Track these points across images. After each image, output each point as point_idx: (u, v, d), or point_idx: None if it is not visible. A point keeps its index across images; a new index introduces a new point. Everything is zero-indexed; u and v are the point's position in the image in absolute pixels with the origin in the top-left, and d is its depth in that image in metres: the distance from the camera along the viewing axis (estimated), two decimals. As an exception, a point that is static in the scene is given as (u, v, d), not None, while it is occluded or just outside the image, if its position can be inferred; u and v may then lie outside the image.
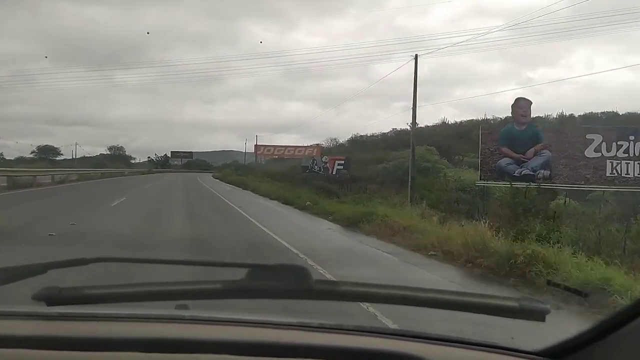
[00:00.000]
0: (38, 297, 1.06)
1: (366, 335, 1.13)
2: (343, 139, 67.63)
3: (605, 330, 0.99)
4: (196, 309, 1.21)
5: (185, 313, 1.18)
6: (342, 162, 39.39)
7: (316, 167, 38.26)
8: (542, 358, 1.07)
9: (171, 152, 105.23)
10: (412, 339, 1.12)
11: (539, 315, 1.04)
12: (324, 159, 40.28)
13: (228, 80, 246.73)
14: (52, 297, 1.07)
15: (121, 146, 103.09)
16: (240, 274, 1.06)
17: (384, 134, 62.92)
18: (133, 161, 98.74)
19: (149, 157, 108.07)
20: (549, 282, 6.62)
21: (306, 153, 58.96)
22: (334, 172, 37.15)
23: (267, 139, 64.07)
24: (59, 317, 1.10)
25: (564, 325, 2.42)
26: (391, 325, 4.21)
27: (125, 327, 1.10)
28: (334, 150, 58.95)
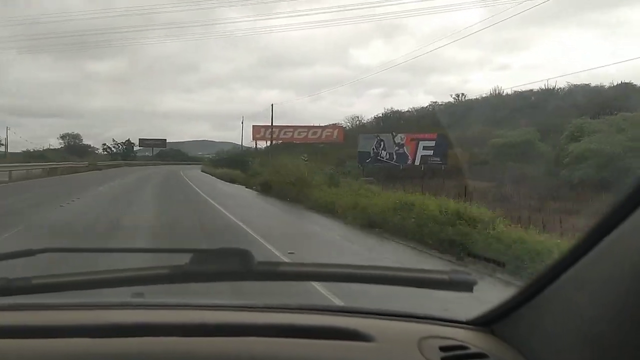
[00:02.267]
0: None
1: (310, 313, 1.19)
2: (368, 117, 52.48)
3: (529, 296, 1.02)
4: (152, 296, 1.21)
5: (134, 300, 1.20)
6: (432, 143, 23.40)
7: (384, 152, 23.40)
8: (474, 327, 1.15)
9: (139, 139, 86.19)
10: (353, 314, 1.20)
11: (467, 287, 1.07)
12: (397, 139, 24.31)
13: (203, 68, 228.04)
14: (1, 288, 1.05)
15: (77, 134, 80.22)
16: (187, 259, 1.03)
17: (422, 108, 48.40)
18: (97, 152, 79.07)
19: (104, 145, 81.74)
20: (469, 254, 7.85)
21: (324, 135, 44.39)
22: (417, 162, 22.49)
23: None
24: (9, 308, 1.13)
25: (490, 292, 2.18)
26: (337, 301, 4.39)
27: (75, 314, 1.13)
28: (357, 131, 43.94)
